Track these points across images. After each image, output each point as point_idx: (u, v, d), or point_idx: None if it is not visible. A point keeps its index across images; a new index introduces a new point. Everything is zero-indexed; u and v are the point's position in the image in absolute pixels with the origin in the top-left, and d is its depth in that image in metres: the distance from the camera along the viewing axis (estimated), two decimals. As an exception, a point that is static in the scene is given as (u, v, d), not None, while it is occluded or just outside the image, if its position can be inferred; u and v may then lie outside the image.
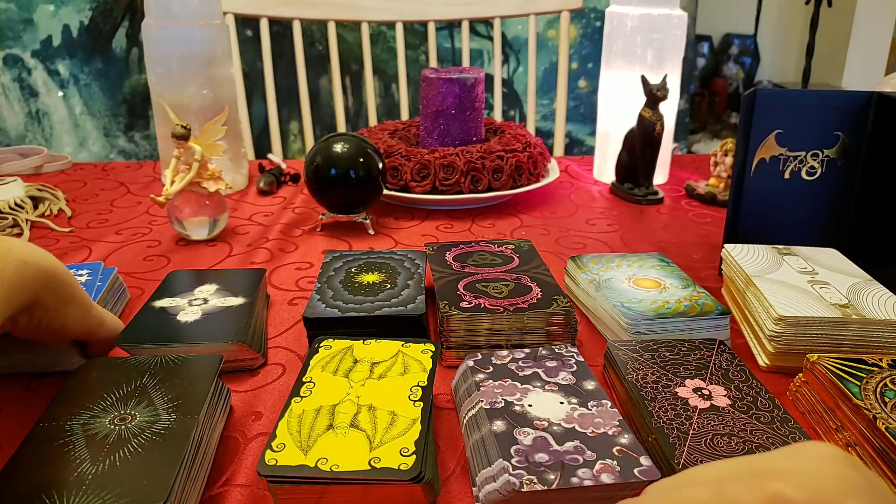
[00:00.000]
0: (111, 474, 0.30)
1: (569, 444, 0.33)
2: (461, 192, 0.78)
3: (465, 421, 0.38)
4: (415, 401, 0.37)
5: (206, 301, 0.49)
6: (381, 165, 0.72)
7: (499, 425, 0.35)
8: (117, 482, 0.30)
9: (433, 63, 1.25)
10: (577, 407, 0.37)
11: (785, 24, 3.46)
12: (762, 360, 0.47)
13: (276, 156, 1.08)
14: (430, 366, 0.40)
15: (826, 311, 0.45)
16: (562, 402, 0.37)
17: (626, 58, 0.86)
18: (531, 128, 1.25)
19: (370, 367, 0.40)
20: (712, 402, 0.38)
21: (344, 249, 0.69)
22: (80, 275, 0.53)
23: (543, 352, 0.43)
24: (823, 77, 2.99)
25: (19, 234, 0.72)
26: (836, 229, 0.61)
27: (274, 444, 0.33)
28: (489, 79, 1.59)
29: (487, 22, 1.87)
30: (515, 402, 0.37)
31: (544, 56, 1.94)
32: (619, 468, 0.31)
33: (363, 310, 0.48)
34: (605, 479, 0.31)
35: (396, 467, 0.31)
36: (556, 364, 0.41)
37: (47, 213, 0.78)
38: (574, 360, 0.41)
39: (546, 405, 0.37)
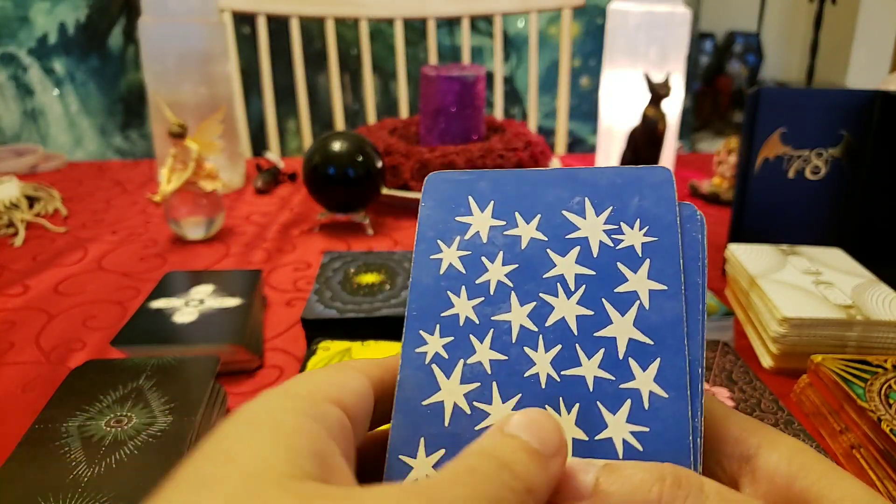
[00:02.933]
0: (107, 477, 0.30)
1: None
2: (461, 191, 0.77)
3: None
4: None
5: (202, 302, 0.49)
6: (379, 164, 0.71)
7: None
8: (113, 485, 0.29)
9: (433, 60, 1.24)
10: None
11: (789, 21, 3.46)
12: (766, 361, 0.47)
13: (273, 154, 1.08)
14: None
15: (831, 311, 0.45)
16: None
17: (629, 55, 0.86)
18: (532, 126, 1.25)
19: (369, 369, 0.39)
20: (716, 404, 0.37)
21: (342, 250, 0.69)
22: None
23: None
24: (828, 75, 2.98)
25: (15, 234, 0.71)
26: (840, 229, 0.60)
27: (272, 448, 0.33)
28: (490, 76, 1.58)
29: (488, 19, 1.86)
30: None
31: (546, 53, 1.93)
32: None
33: (362, 311, 0.47)
34: None
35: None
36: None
37: (43, 212, 0.78)
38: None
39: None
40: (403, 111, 1.26)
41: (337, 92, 1.24)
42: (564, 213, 0.21)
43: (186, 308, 0.48)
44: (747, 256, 0.54)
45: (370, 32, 1.26)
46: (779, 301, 0.46)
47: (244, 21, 1.65)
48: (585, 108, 2.02)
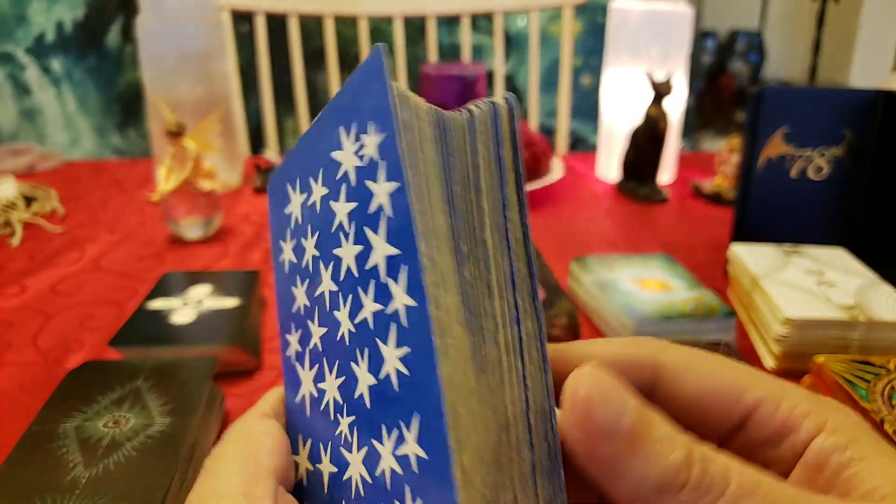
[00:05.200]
0: (105, 478, 0.30)
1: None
2: (461, 190, 0.77)
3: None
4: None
5: (200, 302, 0.49)
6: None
7: None
8: (111, 486, 0.29)
9: (433, 59, 1.24)
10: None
11: (792, 20, 3.45)
12: (768, 362, 0.47)
13: (272, 153, 1.07)
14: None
15: (833, 312, 0.44)
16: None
17: (631, 54, 0.86)
18: (534, 125, 1.24)
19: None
20: (720, 405, 0.37)
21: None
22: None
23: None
24: (830, 74, 2.98)
25: (12, 234, 0.71)
26: (843, 228, 0.60)
27: (270, 451, 0.32)
28: (490, 75, 1.58)
29: (488, 17, 1.85)
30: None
31: (547, 52, 1.93)
32: None
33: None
34: None
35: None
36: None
37: (40, 212, 0.77)
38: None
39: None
40: (403, 110, 1.25)
41: (336, 90, 1.24)
42: (332, 154, 0.19)
43: (184, 309, 0.48)
44: (750, 256, 0.53)
45: (370, 30, 1.26)
46: (781, 301, 0.45)
47: (242, 19, 1.65)
48: (587, 107, 2.02)
